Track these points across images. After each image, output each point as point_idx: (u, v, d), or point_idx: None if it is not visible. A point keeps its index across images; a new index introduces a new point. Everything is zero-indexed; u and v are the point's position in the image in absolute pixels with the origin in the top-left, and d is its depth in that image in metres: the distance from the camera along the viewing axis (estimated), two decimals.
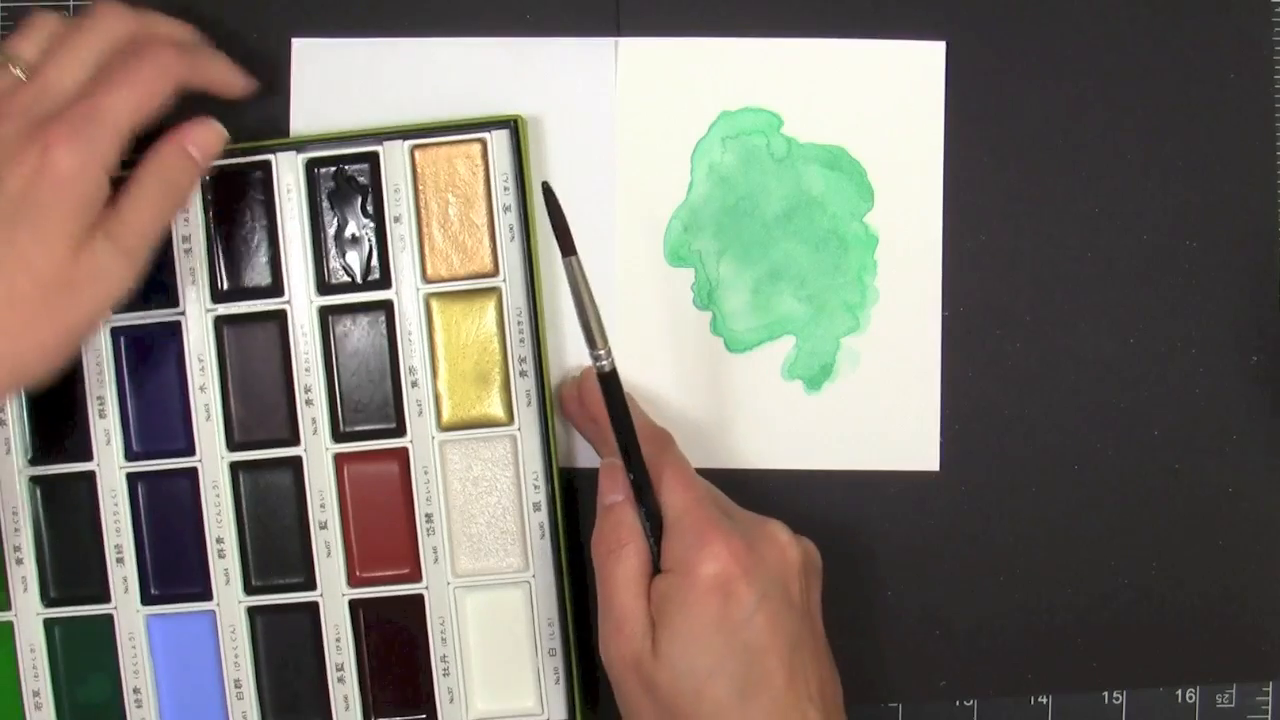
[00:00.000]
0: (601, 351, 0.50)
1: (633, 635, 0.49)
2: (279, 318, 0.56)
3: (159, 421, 0.57)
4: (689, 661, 0.48)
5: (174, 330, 0.57)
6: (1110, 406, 0.58)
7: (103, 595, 0.57)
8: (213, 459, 0.57)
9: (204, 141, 0.52)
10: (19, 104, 0.49)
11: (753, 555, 0.49)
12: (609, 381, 0.51)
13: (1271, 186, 0.59)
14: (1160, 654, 0.58)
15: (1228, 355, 0.58)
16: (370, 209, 0.56)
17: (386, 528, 0.56)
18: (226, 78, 0.55)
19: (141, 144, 0.51)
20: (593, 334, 0.50)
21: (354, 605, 0.57)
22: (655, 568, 0.50)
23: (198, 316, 0.56)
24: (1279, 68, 0.59)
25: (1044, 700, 0.59)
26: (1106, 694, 0.59)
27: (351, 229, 0.57)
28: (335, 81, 0.58)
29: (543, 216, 0.57)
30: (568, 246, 0.50)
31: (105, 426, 0.56)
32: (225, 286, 0.57)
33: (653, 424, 0.55)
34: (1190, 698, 0.59)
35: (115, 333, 0.57)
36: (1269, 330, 0.59)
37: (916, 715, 0.59)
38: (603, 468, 0.52)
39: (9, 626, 0.57)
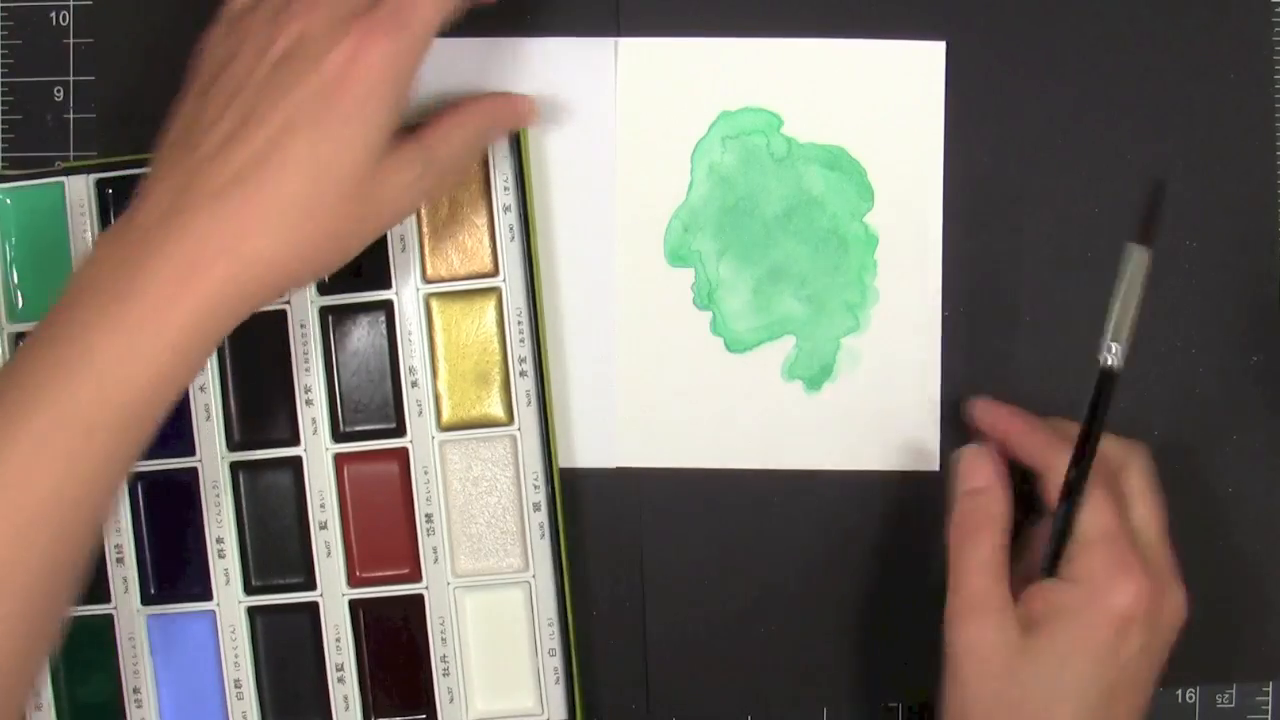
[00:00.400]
0: (1121, 347, 0.50)
1: (991, 620, 0.49)
2: (279, 317, 0.57)
3: None
4: (1057, 674, 0.48)
5: None
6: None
7: (102, 595, 0.57)
8: (213, 459, 0.57)
9: (527, 111, 0.55)
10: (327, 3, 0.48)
11: (1155, 604, 0.49)
12: (1107, 379, 0.51)
13: (1272, 187, 0.59)
14: None
15: (1228, 356, 0.58)
16: None
17: (386, 528, 0.57)
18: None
19: None
20: (1122, 329, 0.50)
21: (354, 605, 0.57)
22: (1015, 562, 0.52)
23: None
24: (1279, 68, 0.59)
25: None
26: None
27: None
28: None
29: (543, 217, 0.57)
30: (1148, 237, 0.50)
31: None
32: None
33: (1123, 443, 0.54)
34: (1190, 698, 0.59)
35: None
36: (1269, 330, 0.58)
37: (917, 716, 0.59)
38: (967, 454, 0.54)
39: None
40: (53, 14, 0.60)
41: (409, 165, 0.48)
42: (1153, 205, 0.50)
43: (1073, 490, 0.50)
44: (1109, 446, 0.52)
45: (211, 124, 0.47)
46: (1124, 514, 0.50)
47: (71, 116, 0.60)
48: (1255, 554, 0.58)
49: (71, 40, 0.60)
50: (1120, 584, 0.48)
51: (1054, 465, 0.51)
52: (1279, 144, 0.59)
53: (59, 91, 0.60)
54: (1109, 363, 0.50)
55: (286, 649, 0.57)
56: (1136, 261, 0.50)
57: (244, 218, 0.45)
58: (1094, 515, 0.50)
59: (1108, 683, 0.48)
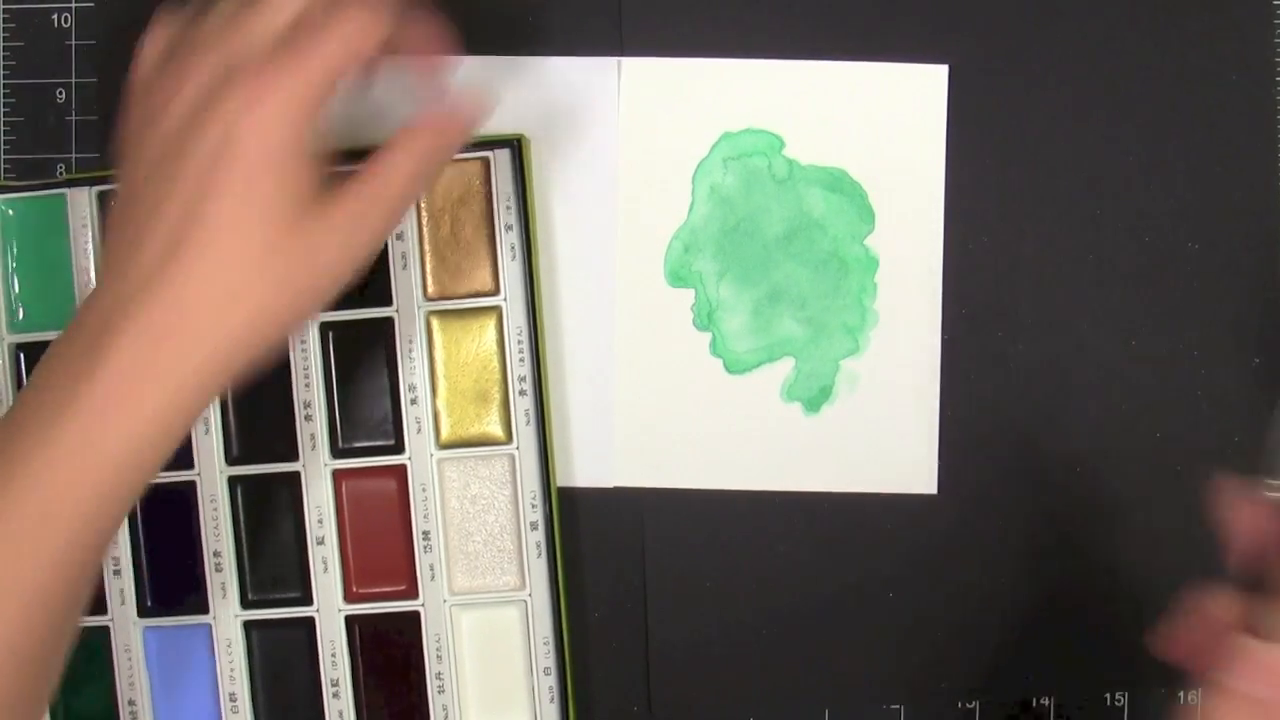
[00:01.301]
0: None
1: None
2: None
3: None
4: None
5: None
6: (1112, 410, 0.58)
7: (99, 607, 0.57)
8: (211, 473, 0.57)
9: (470, 120, 0.49)
10: (220, 50, 0.45)
11: None
12: None
13: (1273, 188, 0.59)
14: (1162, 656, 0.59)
15: (1230, 358, 0.59)
16: None
17: (384, 544, 0.57)
18: (430, 40, 0.49)
19: None
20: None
21: (350, 621, 0.57)
22: None
23: None
24: (1279, 68, 0.59)
25: (1045, 702, 0.59)
26: (1108, 695, 0.59)
27: None
28: (336, 98, 0.58)
29: (544, 236, 0.57)
30: None
31: None
32: None
33: None
34: (1192, 699, 0.59)
35: None
36: (1271, 333, 0.59)
37: (918, 718, 0.59)
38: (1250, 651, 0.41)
39: None
40: (54, 16, 0.60)
41: (346, 209, 0.45)
42: None
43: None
44: None
45: (136, 200, 0.46)
46: None
47: (73, 119, 0.60)
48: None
49: (73, 42, 0.60)
50: None
51: None
52: (1279, 144, 0.59)
53: (60, 93, 0.60)
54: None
55: (282, 664, 0.57)
56: None
57: (181, 299, 0.43)
58: None
59: None
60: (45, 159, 0.60)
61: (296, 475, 0.57)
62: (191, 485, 0.57)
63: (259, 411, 0.57)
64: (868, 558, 0.58)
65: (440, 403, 0.57)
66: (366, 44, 0.46)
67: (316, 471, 0.57)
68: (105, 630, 0.57)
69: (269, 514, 0.57)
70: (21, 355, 0.57)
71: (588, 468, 0.58)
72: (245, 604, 0.57)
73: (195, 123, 0.44)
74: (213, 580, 0.57)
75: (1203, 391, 0.58)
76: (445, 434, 0.57)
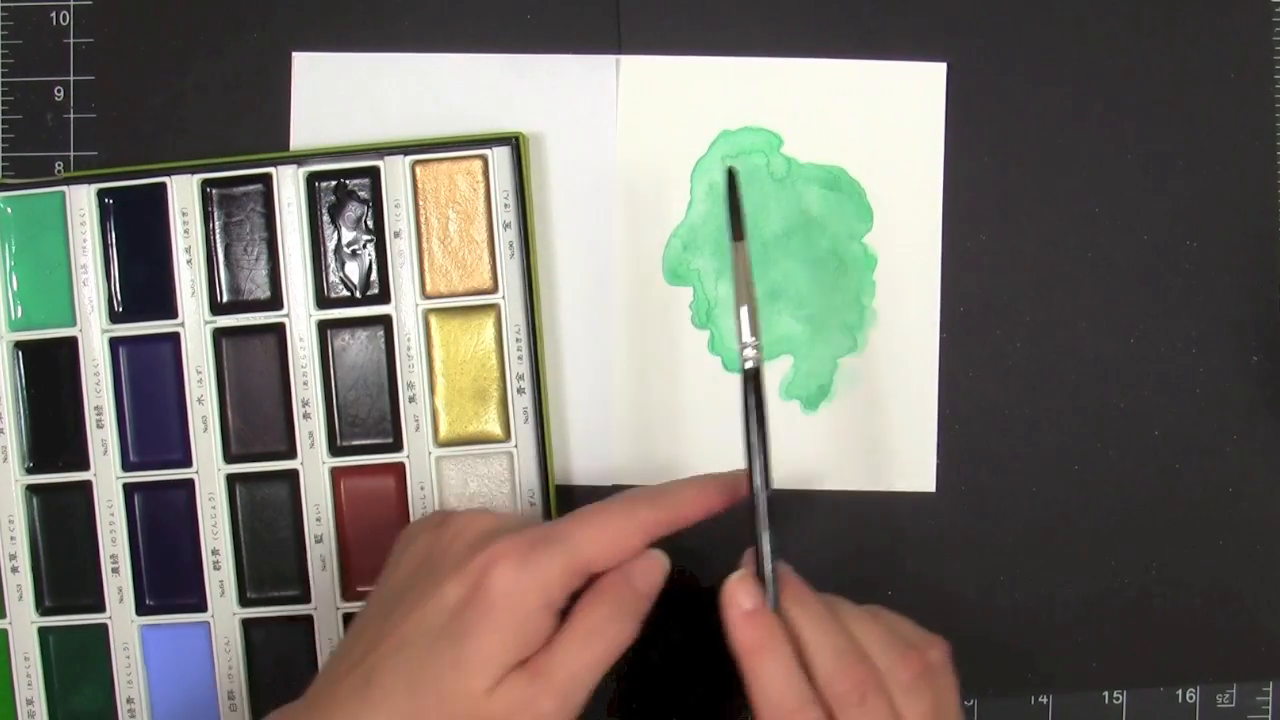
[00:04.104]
0: (752, 342, 0.48)
1: None
2: (278, 331, 0.57)
3: (156, 432, 0.57)
4: None
5: (173, 341, 0.57)
6: (1110, 408, 0.58)
7: (98, 605, 0.57)
8: (209, 471, 0.57)
9: (648, 573, 0.48)
10: (483, 524, 0.48)
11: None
12: (751, 380, 0.48)
13: (1272, 186, 0.59)
14: (1160, 654, 0.59)
15: (1228, 355, 0.59)
16: (370, 224, 0.57)
17: (382, 542, 0.56)
18: (695, 506, 0.49)
19: None
20: (746, 324, 0.48)
21: (348, 619, 0.57)
22: None
23: (196, 328, 0.57)
24: (1279, 68, 0.59)
25: (1044, 700, 0.59)
26: (1107, 694, 0.59)
27: (351, 243, 0.57)
28: (336, 95, 0.58)
29: (543, 234, 0.57)
30: (739, 232, 0.50)
31: (103, 437, 0.57)
32: (224, 299, 0.57)
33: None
34: (1190, 698, 0.59)
35: (114, 343, 0.57)
36: (1269, 330, 0.59)
37: None
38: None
39: (4, 635, 0.57)
40: (53, 14, 0.60)
41: (524, 689, 0.45)
42: (731, 196, 0.50)
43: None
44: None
45: (360, 633, 0.47)
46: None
47: (72, 116, 0.60)
48: (1255, 554, 0.59)
49: (71, 40, 0.60)
50: None
51: None
52: (1279, 144, 0.59)
53: (59, 91, 0.60)
54: (751, 364, 0.48)
55: (281, 661, 0.57)
56: (739, 256, 0.49)
57: None
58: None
59: None
60: (43, 157, 0.60)
61: (295, 473, 0.57)
62: (189, 483, 0.57)
63: (257, 409, 0.57)
64: (866, 555, 0.58)
65: (439, 401, 0.57)
66: (629, 538, 0.47)
67: (315, 469, 0.57)
68: (103, 628, 0.57)
69: (267, 512, 0.57)
70: (20, 353, 0.57)
71: (586, 465, 0.58)
72: (243, 602, 0.57)
73: (430, 574, 0.47)
74: (210, 578, 0.57)
75: (1201, 389, 0.58)
76: (443, 432, 0.57)
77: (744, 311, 0.48)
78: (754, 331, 0.48)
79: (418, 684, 0.44)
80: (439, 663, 0.44)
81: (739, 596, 0.47)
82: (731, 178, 0.51)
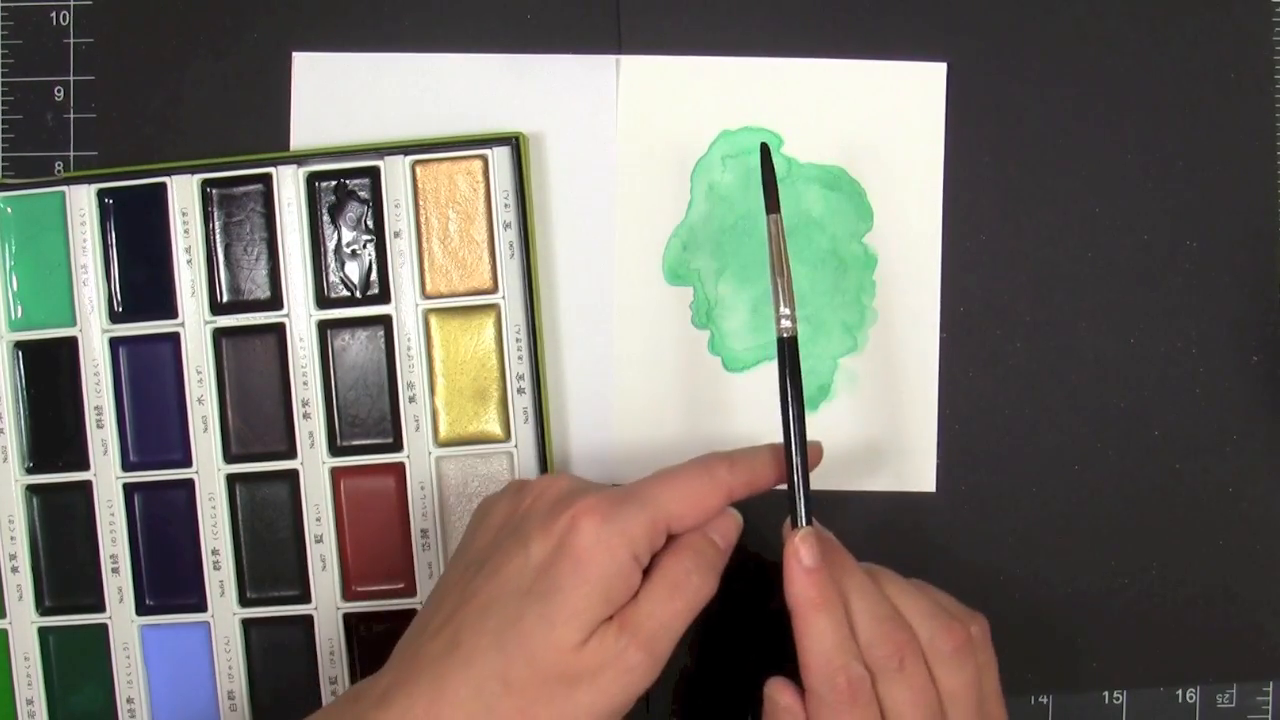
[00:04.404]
0: (787, 313, 0.50)
1: None
2: (278, 330, 0.57)
3: (156, 432, 0.57)
4: None
5: (173, 341, 0.57)
6: (1110, 408, 0.58)
7: (98, 605, 0.57)
8: (209, 471, 0.57)
9: (725, 530, 0.49)
10: (563, 485, 0.49)
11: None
12: (787, 347, 0.50)
13: (1272, 186, 0.59)
14: (1160, 654, 0.59)
15: (1228, 355, 0.59)
16: (370, 223, 0.57)
17: (382, 542, 0.57)
18: (771, 471, 0.50)
19: None
20: (781, 294, 0.50)
21: (348, 619, 0.57)
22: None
23: (196, 328, 0.57)
24: (1279, 68, 0.59)
25: (1044, 700, 0.59)
26: (1107, 694, 0.59)
27: (351, 243, 0.57)
28: (336, 95, 0.58)
29: (543, 234, 0.57)
30: (773, 205, 0.51)
31: (103, 436, 0.57)
32: (224, 299, 0.57)
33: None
34: (1190, 698, 0.59)
35: (114, 343, 0.57)
36: (1269, 330, 0.59)
37: None
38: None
39: (4, 635, 0.57)
40: (53, 14, 0.60)
41: (613, 641, 0.45)
42: (766, 170, 0.52)
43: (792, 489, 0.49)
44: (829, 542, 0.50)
45: (443, 598, 0.48)
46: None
47: (72, 116, 0.60)
48: (1255, 554, 0.59)
49: (71, 40, 0.60)
50: None
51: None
52: (1279, 144, 0.59)
53: (59, 91, 0.60)
54: (787, 332, 0.50)
55: (280, 662, 0.57)
56: (774, 229, 0.51)
57: (441, 692, 0.44)
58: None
59: None
60: (43, 157, 0.60)
61: (295, 473, 0.57)
62: (189, 483, 0.57)
63: (257, 409, 0.57)
64: (866, 555, 0.58)
65: (438, 401, 0.57)
66: (708, 495, 0.48)
67: (315, 469, 0.57)
68: (103, 628, 0.57)
69: (267, 512, 0.57)
70: (20, 353, 0.57)
71: (586, 465, 0.58)
72: (243, 602, 0.57)
73: (516, 534, 0.47)
74: (210, 578, 0.57)
75: (1201, 389, 0.58)
76: (443, 432, 0.57)
77: (780, 282, 0.50)
78: (788, 303, 0.50)
79: (506, 641, 0.44)
80: (527, 619, 0.44)
81: (803, 552, 0.47)
82: (765, 152, 0.52)
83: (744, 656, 0.58)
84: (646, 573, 0.47)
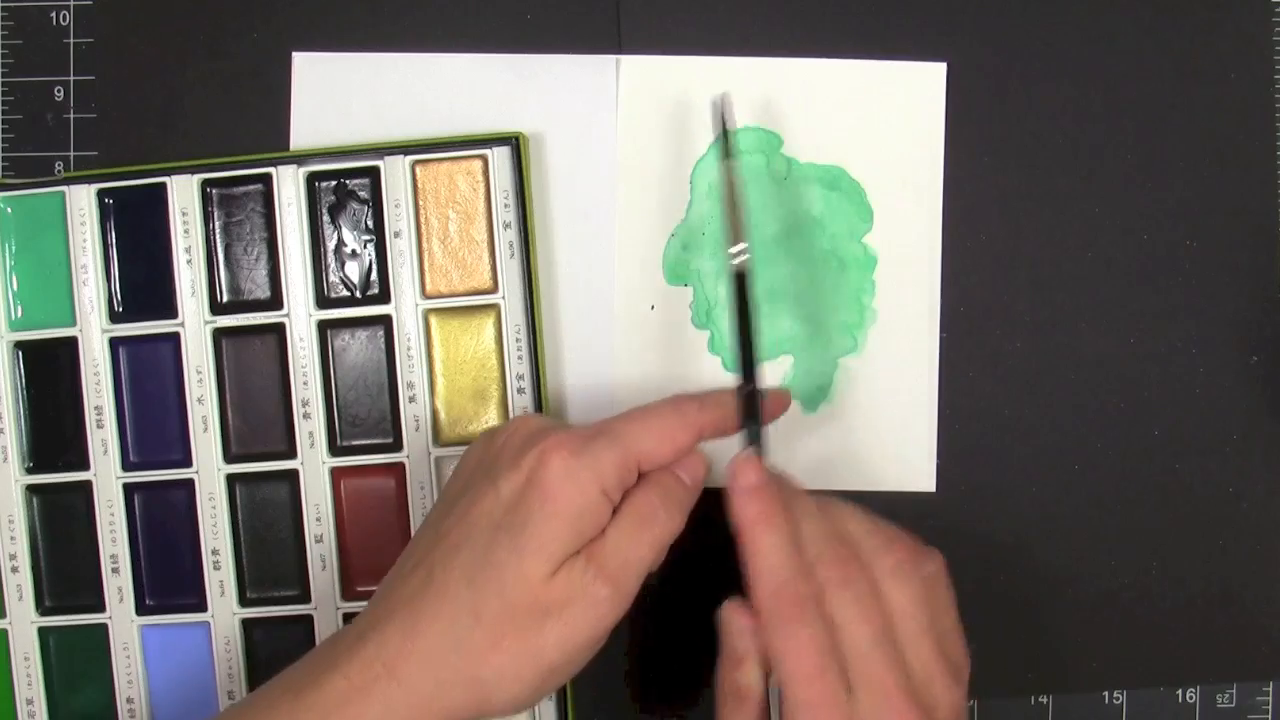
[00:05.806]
0: (739, 248, 0.50)
1: None
2: (278, 331, 0.57)
3: (156, 432, 0.57)
4: None
5: (173, 341, 0.57)
6: (1110, 408, 0.58)
7: (98, 605, 0.57)
8: (209, 471, 0.57)
9: (694, 469, 0.49)
10: (534, 424, 0.49)
11: None
12: (738, 281, 0.50)
13: (1272, 186, 0.59)
14: (1160, 654, 0.59)
15: (1228, 355, 0.59)
16: (370, 223, 0.57)
17: (382, 542, 0.57)
18: (735, 415, 0.50)
19: None
20: (736, 232, 0.50)
21: (348, 619, 0.57)
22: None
23: (196, 328, 0.57)
24: (1279, 67, 0.59)
25: (1044, 700, 0.59)
26: (1107, 694, 0.59)
27: (351, 243, 0.57)
28: (336, 95, 0.58)
29: (543, 234, 0.57)
30: (727, 153, 0.52)
31: (103, 436, 0.57)
32: (224, 299, 0.57)
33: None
34: (1190, 698, 0.59)
35: (114, 343, 0.57)
36: (1269, 330, 0.59)
37: None
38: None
39: (3, 635, 0.57)
40: (53, 14, 0.60)
41: (581, 575, 0.45)
42: (724, 122, 0.52)
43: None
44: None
45: (418, 541, 0.48)
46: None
47: (72, 116, 0.60)
48: (1255, 554, 0.59)
49: (72, 40, 0.60)
50: None
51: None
52: (1279, 144, 0.59)
53: (59, 91, 0.60)
54: (740, 266, 0.50)
55: (281, 662, 0.56)
56: (729, 173, 0.51)
57: (415, 627, 0.45)
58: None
59: None
60: (43, 156, 0.60)
61: (295, 473, 0.57)
62: (189, 483, 0.57)
63: (257, 409, 0.57)
64: None
65: (439, 401, 0.57)
66: (679, 440, 0.48)
67: (315, 469, 0.57)
68: (104, 628, 0.57)
69: (267, 512, 0.57)
70: (20, 353, 0.57)
71: None
72: (243, 602, 0.57)
73: (485, 473, 0.48)
74: (210, 578, 0.57)
75: (1201, 389, 0.58)
76: (444, 432, 0.57)
77: (733, 218, 0.50)
78: (740, 238, 0.50)
79: (476, 575, 0.45)
80: (497, 553, 0.45)
81: (745, 472, 0.48)
82: (726, 102, 0.53)
83: (704, 583, 0.58)
84: (617, 510, 0.47)
